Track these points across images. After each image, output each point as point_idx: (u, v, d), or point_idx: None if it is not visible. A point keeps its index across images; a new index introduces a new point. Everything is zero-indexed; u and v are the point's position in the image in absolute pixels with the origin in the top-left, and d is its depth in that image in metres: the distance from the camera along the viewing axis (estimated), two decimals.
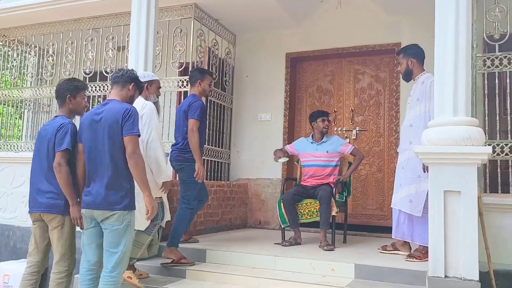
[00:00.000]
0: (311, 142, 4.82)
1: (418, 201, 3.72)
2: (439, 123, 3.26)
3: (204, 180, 4.29)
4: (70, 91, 3.36)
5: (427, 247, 3.55)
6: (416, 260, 3.73)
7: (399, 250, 4.02)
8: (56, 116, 3.41)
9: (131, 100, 3.21)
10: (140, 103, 3.58)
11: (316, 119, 4.82)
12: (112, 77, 3.22)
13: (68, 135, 3.17)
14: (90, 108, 4.63)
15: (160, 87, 4.03)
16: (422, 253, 3.75)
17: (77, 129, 3.22)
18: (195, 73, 4.50)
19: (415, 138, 3.73)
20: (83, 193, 3.06)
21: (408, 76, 4.04)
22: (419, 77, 3.96)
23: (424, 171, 3.60)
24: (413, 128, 3.83)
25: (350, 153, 4.74)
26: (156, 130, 3.54)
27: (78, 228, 3.23)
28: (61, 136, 3.17)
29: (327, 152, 4.70)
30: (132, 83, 3.18)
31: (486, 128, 4.00)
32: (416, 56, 4.00)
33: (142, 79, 3.66)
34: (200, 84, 4.38)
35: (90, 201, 2.97)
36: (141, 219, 3.37)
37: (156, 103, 3.77)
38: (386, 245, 4.20)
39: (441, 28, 3.36)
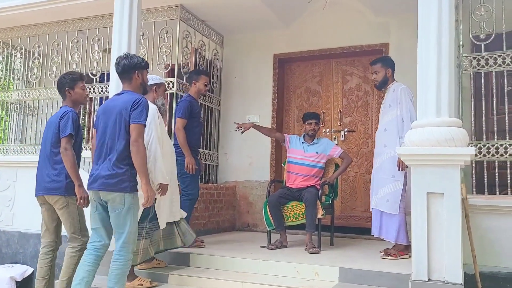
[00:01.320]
0: (302, 142, 4.78)
1: (394, 199, 3.92)
2: (421, 124, 3.23)
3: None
4: (68, 84, 3.64)
5: (403, 245, 3.91)
6: (391, 257, 3.88)
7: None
8: (61, 107, 3.70)
9: (144, 86, 3.41)
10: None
11: (304, 121, 4.84)
12: (118, 73, 3.34)
13: (70, 121, 3.45)
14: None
15: (166, 90, 4.31)
16: (397, 251, 3.91)
17: (79, 117, 3.59)
18: (191, 74, 4.91)
19: (389, 141, 3.99)
20: (90, 175, 3.22)
21: (384, 84, 4.24)
22: (391, 86, 4.20)
23: (399, 169, 3.87)
24: (387, 133, 4.06)
25: (339, 157, 4.71)
26: (156, 132, 3.62)
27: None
28: (64, 123, 3.45)
29: (317, 153, 4.68)
30: (136, 71, 3.30)
31: (473, 128, 3.98)
32: (391, 66, 4.25)
33: (150, 82, 3.84)
34: (195, 84, 4.74)
35: (94, 183, 3.14)
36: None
37: (163, 106, 4.00)
38: (388, 248, 4.12)
39: (424, 28, 3.34)
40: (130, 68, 3.27)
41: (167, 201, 3.79)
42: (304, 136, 4.83)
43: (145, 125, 3.14)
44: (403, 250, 3.92)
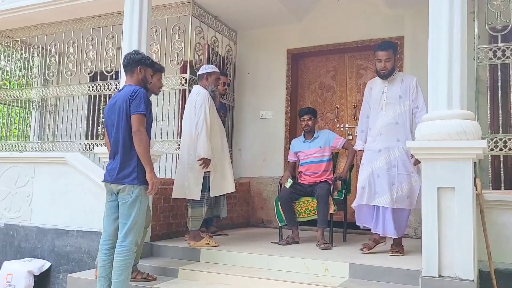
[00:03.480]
0: (303, 141, 4.74)
1: (414, 195, 3.80)
2: (432, 117, 3.15)
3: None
4: (143, 61, 3.58)
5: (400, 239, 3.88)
6: (400, 254, 3.82)
7: (380, 243, 4.00)
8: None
9: (145, 82, 3.47)
10: (196, 91, 4.39)
11: (299, 117, 4.81)
12: (123, 66, 3.49)
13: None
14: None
15: (219, 78, 4.67)
16: (401, 246, 3.91)
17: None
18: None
19: (402, 135, 3.85)
20: (106, 168, 3.41)
21: (392, 73, 4.00)
22: (396, 76, 4.03)
23: (414, 164, 3.77)
24: (400, 126, 3.89)
25: (342, 147, 4.63)
26: (205, 113, 4.20)
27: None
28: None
29: (320, 147, 4.62)
30: (139, 66, 3.40)
31: (489, 122, 3.87)
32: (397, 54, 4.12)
33: (202, 71, 4.50)
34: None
35: (107, 175, 3.33)
36: (194, 190, 4.20)
37: (213, 92, 4.45)
38: (369, 242, 4.00)
39: (435, 18, 3.26)
40: (134, 62, 3.39)
41: (218, 175, 4.37)
42: (303, 134, 4.78)
43: (144, 115, 3.21)
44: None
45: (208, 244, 4.16)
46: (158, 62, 5.38)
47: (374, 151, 3.94)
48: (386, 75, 3.99)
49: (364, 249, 3.90)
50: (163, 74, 4.11)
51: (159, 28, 5.46)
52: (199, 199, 4.21)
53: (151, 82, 3.60)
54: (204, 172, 4.24)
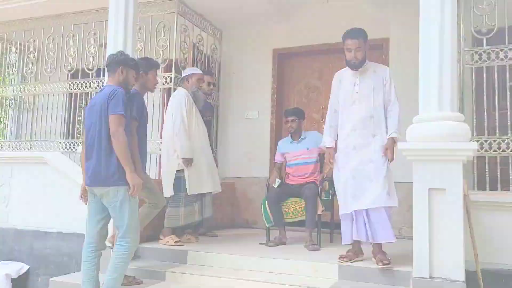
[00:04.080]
0: (291, 142, 4.70)
1: (393, 191, 3.47)
2: (423, 119, 3.18)
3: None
4: (142, 68, 3.66)
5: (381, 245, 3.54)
6: (387, 262, 3.37)
7: (358, 256, 3.62)
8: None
9: (126, 83, 3.39)
10: (176, 92, 4.63)
11: (284, 118, 4.77)
12: (106, 65, 3.47)
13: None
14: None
15: (201, 79, 4.81)
16: (386, 256, 3.47)
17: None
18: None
19: (378, 130, 3.55)
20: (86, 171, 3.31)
21: (362, 64, 3.64)
22: (368, 66, 3.67)
23: (389, 161, 3.48)
24: (375, 120, 3.56)
25: None
26: (181, 113, 4.36)
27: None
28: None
29: (308, 149, 4.58)
30: (121, 66, 3.33)
31: (474, 124, 3.92)
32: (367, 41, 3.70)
33: (183, 74, 4.75)
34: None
35: (88, 179, 3.23)
36: (166, 188, 4.38)
37: (196, 92, 4.63)
38: (349, 254, 3.63)
39: (426, 21, 3.29)
40: (116, 62, 3.35)
41: (194, 175, 4.40)
42: (290, 135, 4.74)
43: (123, 115, 3.14)
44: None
45: (168, 242, 4.19)
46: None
47: (347, 151, 3.61)
48: (357, 66, 3.62)
49: (344, 259, 3.54)
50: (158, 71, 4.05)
51: (144, 25, 5.36)
52: (169, 196, 4.35)
53: (133, 84, 3.52)
54: (177, 171, 4.36)
